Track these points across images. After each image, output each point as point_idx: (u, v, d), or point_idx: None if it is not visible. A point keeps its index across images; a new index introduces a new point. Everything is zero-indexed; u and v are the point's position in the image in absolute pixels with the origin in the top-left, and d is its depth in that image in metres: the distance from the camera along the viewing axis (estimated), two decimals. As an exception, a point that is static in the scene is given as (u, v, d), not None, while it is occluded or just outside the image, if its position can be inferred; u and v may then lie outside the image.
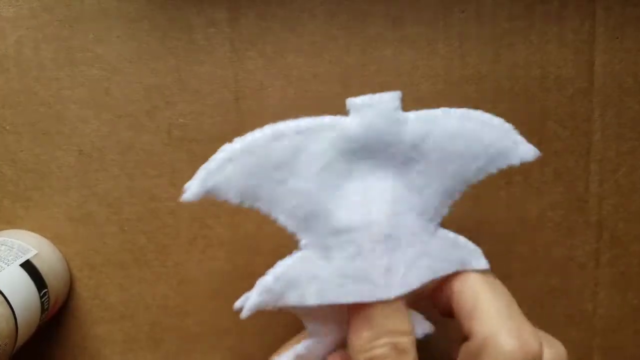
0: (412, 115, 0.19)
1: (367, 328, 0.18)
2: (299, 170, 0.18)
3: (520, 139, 0.21)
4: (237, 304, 0.19)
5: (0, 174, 0.26)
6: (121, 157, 0.26)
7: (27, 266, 0.23)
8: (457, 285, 0.20)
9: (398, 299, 0.18)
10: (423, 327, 0.22)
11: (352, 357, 0.19)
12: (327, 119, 0.19)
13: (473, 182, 0.20)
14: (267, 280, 0.19)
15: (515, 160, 0.20)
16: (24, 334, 0.22)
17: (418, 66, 0.26)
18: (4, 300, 0.21)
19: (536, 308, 0.27)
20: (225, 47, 0.26)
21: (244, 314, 0.19)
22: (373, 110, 0.19)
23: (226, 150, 0.18)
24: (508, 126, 0.20)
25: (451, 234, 0.21)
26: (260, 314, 0.27)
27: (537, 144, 0.27)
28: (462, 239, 0.21)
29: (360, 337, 0.18)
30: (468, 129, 0.20)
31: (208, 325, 0.27)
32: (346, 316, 0.19)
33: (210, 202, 0.26)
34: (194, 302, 0.27)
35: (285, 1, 0.26)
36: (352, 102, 0.19)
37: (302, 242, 0.19)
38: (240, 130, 0.26)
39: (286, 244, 0.27)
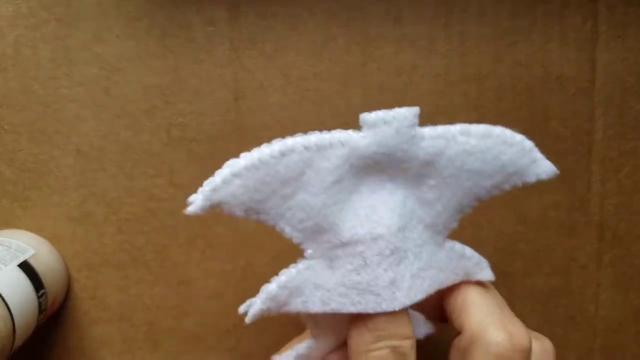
0: (428, 131, 0.19)
1: (367, 331, 0.18)
2: (306, 185, 0.18)
3: (539, 156, 0.20)
4: (241, 308, 0.19)
5: (-2, 173, 0.26)
6: (120, 156, 0.26)
7: (25, 266, 0.23)
8: (448, 290, 0.21)
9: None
10: (424, 327, 0.22)
11: (353, 357, 0.19)
12: (337, 135, 0.18)
13: (486, 199, 0.20)
14: (271, 288, 0.19)
15: (531, 178, 0.20)
16: (21, 335, 0.22)
17: (418, 65, 0.26)
18: (2, 301, 0.21)
19: (537, 308, 0.27)
20: (225, 46, 0.26)
21: (248, 320, 0.19)
22: (388, 127, 0.18)
23: (232, 166, 0.18)
24: (529, 144, 0.20)
25: (458, 246, 0.20)
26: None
27: (538, 143, 0.27)
28: (469, 251, 0.20)
29: (361, 340, 0.18)
30: (486, 147, 0.19)
31: (207, 326, 0.27)
32: (348, 317, 0.19)
33: (209, 202, 0.26)
34: (192, 302, 0.27)
35: (285, 0, 0.26)
36: (365, 118, 0.18)
37: (308, 252, 0.19)
38: (240, 130, 0.26)
39: (286, 244, 0.27)
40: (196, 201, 0.18)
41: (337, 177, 0.18)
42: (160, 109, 0.26)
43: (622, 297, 0.28)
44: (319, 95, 0.26)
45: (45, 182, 0.26)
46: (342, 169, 0.18)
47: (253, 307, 0.19)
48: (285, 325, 0.27)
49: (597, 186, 0.27)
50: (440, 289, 0.20)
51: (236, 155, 0.25)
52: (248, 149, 0.25)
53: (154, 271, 0.26)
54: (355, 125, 0.27)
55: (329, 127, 0.26)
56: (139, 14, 0.25)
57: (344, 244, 0.18)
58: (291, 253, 0.27)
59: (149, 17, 0.25)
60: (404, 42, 0.26)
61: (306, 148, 0.18)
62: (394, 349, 0.18)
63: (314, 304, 0.19)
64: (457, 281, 0.20)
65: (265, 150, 0.18)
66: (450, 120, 0.26)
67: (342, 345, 0.21)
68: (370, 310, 0.18)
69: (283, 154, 0.18)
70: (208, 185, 0.18)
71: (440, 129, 0.19)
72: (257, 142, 0.25)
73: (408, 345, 0.18)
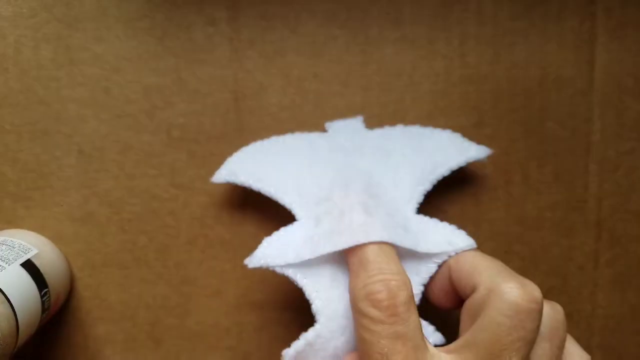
0: (374, 130, 0.26)
1: (362, 270, 0.20)
2: (292, 160, 0.24)
3: (469, 143, 0.25)
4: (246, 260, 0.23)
5: (1, 173, 0.26)
6: (121, 156, 0.26)
7: (28, 266, 0.23)
8: (453, 262, 0.22)
9: (387, 245, 0.21)
10: (434, 338, 0.23)
11: (352, 299, 0.20)
12: (312, 133, 0.26)
13: (439, 173, 0.24)
14: (270, 237, 0.23)
15: (465, 159, 0.25)
16: (24, 334, 0.22)
17: (418, 66, 0.26)
18: (5, 300, 0.21)
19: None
20: (225, 47, 0.26)
21: (251, 264, 0.22)
22: (343, 125, 0.26)
23: (242, 149, 0.25)
24: (457, 135, 0.25)
25: (429, 218, 0.24)
26: (261, 314, 0.27)
27: (536, 143, 0.27)
28: (442, 222, 0.23)
29: (358, 278, 0.20)
30: (418, 133, 0.25)
31: (208, 325, 0.27)
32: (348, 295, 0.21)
33: (210, 202, 0.26)
34: (194, 301, 0.27)
35: (285, 0, 0.26)
36: (328, 124, 0.26)
37: (298, 215, 0.23)
38: (240, 130, 0.26)
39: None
40: (219, 172, 0.25)
41: (315, 155, 0.25)
42: (161, 109, 0.26)
43: (619, 297, 0.28)
44: (319, 95, 0.26)
45: (47, 182, 0.26)
46: (319, 150, 0.25)
47: (256, 252, 0.23)
48: (286, 325, 0.27)
49: (594, 186, 0.27)
50: (440, 268, 0.23)
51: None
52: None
53: (156, 270, 0.27)
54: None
55: (329, 129, 0.27)
56: (140, 14, 0.25)
57: (323, 199, 0.23)
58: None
59: (149, 18, 0.25)
60: (404, 43, 0.26)
61: (293, 137, 0.25)
62: (387, 283, 0.19)
63: (305, 253, 0.22)
64: (439, 250, 0.22)
65: (265, 140, 0.25)
66: (450, 120, 0.27)
67: (352, 340, 0.22)
68: (349, 244, 0.21)
69: (276, 140, 0.25)
70: (226, 161, 0.25)
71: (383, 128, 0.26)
72: (258, 144, 0.26)
73: (400, 281, 0.19)
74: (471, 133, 0.26)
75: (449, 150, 0.25)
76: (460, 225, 0.24)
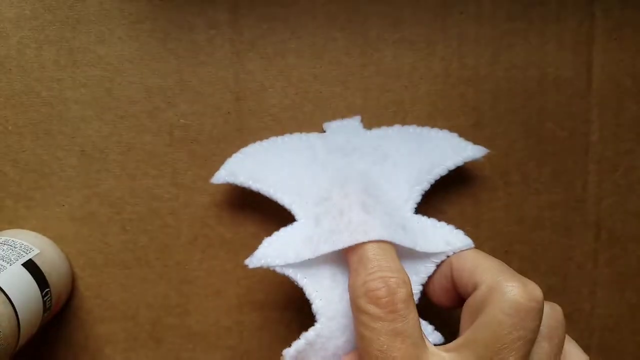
0: (371, 130, 0.26)
1: (362, 268, 0.20)
2: (290, 160, 0.25)
3: (466, 143, 0.25)
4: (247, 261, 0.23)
5: (3, 174, 0.26)
6: (123, 157, 0.26)
7: (30, 265, 0.23)
8: (455, 260, 0.22)
9: (386, 244, 0.21)
10: (433, 337, 0.23)
11: (352, 296, 0.20)
12: (310, 134, 0.26)
13: (437, 173, 0.24)
14: (270, 238, 0.23)
15: (461, 159, 0.25)
16: (26, 333, 0.22)
17: (417, 67, 0.26)
18: (7, 300, 0.21)
19: (535, 307, 0.28)
20: (226, 48, 0.26)
21: (251, 264, 0.23)
22: (340, 125, 0.26)
23: (241, 150, 0.25)
24: (454, 134, 0.25)
25: (427, 218, 0.24)
26: (261, 313, 0.27)
27: (535, 144, 0.27)
28: (440, 222, 0.24)
29: (357, 275, 0.20)
30: (416, 133, 0.25)
31: (209, 324, 0.27)
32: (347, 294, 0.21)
33: (211, 202, 0.26)
34: (195, 301, 0.27)
35: (285, 3, 0.26)
36: (326, 124, 0.26)
37: (297, 216, 0.24)
38: (240, 131, 0.26)
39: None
40: (218, 173, 0.25)
41: (312, 156, 0.25)
42: (163, 110, 0.26)
43: (618, 296, 0.28)
44: (319, 96, 0.26)
45: (49, 183, 0.26)
46: (316, 150, 0.25)
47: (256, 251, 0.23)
48: (287, 325, 0.27)
49: (593, 186, 0.27)
50: (438, 266, 0.23)
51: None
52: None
53: (157, 270, 0.27)
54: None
55: (329, 128, 0.27)
56: (142, 16, 0.26)
57: (322, 199, 0.23)
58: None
59: (151, 20, 0.26)
60: (403, 45, 0.26)
61: (290, 137, 0.25)
62: (386, 281, 0.19)
63: (305, 253, 0.22)
64: (437, 249, 0.23)
65: (264, 141, 0.25)
66: (449, 121, 0.27)
67: (351, 340, 0.22)
68: (347, 244, 0.21)
69: (274, 141, 0.25)
70: (226, 162, 0.25)
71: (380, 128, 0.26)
72: (259, 143, 0.26)
73: (399, 279, 0.19)
74: (470, 134, 0.27)
75: (446, 150, 0.25)
76: (460, 226, 0.24)
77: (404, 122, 0.26)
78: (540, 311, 0.19)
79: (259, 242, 0.26)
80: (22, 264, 0.23)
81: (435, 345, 0.20)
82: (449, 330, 0.23)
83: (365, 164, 0.24)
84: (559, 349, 0.20)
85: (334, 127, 0.26)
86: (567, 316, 0.28)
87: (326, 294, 0.22)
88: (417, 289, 0.23)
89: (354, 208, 0.22)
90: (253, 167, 0.24)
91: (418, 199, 0.24)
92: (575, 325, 0.28)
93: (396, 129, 0.25)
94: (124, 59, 0.26)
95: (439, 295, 0.23)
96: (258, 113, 0.26)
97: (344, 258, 0.22)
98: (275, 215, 0.25)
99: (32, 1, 0.25)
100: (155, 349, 0.27)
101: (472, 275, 0.21)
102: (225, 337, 0.27)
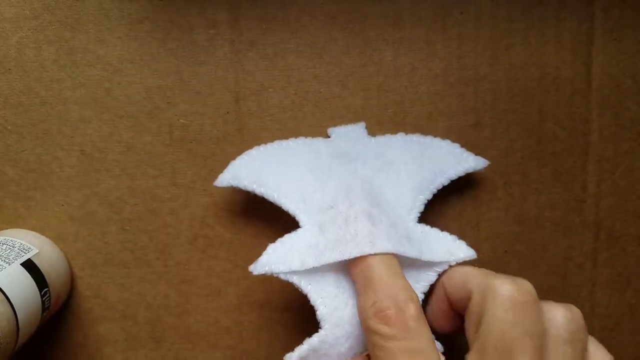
0: (376, 137, 0.26)
1: (371, 290, 0.20)
2: (295, 165, 0.24)
3: (468, 154, 0.25)
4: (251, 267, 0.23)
5: (2, 173, 0.26)
6: (122, 157, 0.26)
7: (28, 265, 0.23)
8: (445, 280, 0.22)
9: (391, 257, 0.21)
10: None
11: (362, 318, 0.20)
12: (315, 139, 0.26)
13: (439, 183, 0.24)
14: (274, 244, 0.23)
15: (463, 169, 0.25)
16: (25, 333, 0.22)
17: (417, 67, 0.26)
18: (5, 299, 0.21)
19: (534, 307, 0.28)
20: (226, 48, 0.26)
21: (256, 271, 0.22)
22: (345, 131, 0.26)
23: (246, 153, 0.25)
24: (456, 145, 0.25)
25: (430, 228, 0.24)
26: (261, 313, 0.27)
27: (535, 144, 0.27)
28: (443, 232, 0.24)
29: (366, 296, 0.20)
30: (419, 142, 0.25)
31: (208, 324, 0.27)
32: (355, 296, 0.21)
33: (211, 202, 0.26)
34: (194, 301, 0.27)
35: (285, 3, 0.26)
36: (330, 129, 0.26)
37: (302, 222, 0.23)
38: (240, 131, 0.26)
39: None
40: (222, 176, 0.24)
41: (317, 160, 0.25)
42: (162, 110, 0.26)
43: (618, 296, 0.28)
44: (319, 96, 0.26)
45: (48, 182, 0.26)
46: (321, 155, 0.25)
47: (261, 257, 0.23)
48: (286, 324, 0.27)
49: (593, 186, 0.27)
50: (441, 282, 0.23)
51: (237, 155, 0.26)
52: (249, 149, 0.26)
53: (157, 270, 0.27)
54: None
55: (329, 128, 0.27)
56: (141, 16, 0.26)
57: (328, 207, 0.23)
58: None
59: (150, 20, 0.26)
60: (403, 45, 0.26)
61: (296, 142, 0.25)
62: (394, 300, 0.19)
63: (310, 260, 0.22)
64: (441, 259, 0.23)
65: (268, 144, 0.25)
66: (449, 121, 0.27)
67: (356, 347, 0.22)
68: (353, 255, 0.21)
69: (280, 145, 0.25)
70: (230, 164, 0.24)
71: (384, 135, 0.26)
72: (258, 143, 0.26)
73: (407, 298, 0.19)
74: (470, 134, 0.27)
75: (448, 160, 0.25)
76: (460, 226, 0.24)
77: (403, 122, 0.26)
78: (536, 303, 0.19)
79: (259, 242, 0.26)
80: (21, 264, 0.23)
81: None
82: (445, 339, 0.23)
83: (369, 170, 0.24)
84: (583, 352, 0.20)
85: (338, 132, 0.26)
86: (567, 316, 0.28)
87: (331, 301, 0.22)
88: (419, 297, 0.23)
89: (359, 218, 0.22)
90: (257, 170, 0.24)
91: (421, 208, 0.24)
92: (575, 326, 0.28)
93: (400, 137, 0.25)
94: (124, 59, 0.26)
95: (440, 320, 0.23)
96: (258, 113, 0.26)
97: (348, 265, 0.22)
98: (276, 215, 0.25)
99: (31, 1, 0.25)
100: (155, 348, 0.27)
101: (463, 285, 0.21)
102: (225, 337, 0.27)
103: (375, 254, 0.21)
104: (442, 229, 0.24)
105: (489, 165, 0.26)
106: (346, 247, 0.21)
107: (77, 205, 0.26)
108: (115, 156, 0.26)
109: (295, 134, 0.26)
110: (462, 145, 0.26)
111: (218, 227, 0.27)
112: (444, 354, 0.22)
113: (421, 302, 0.23)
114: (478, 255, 0.23)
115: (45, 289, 0.24)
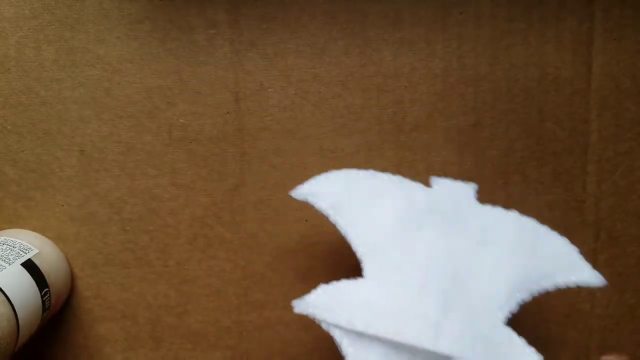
0: (486, 206, 0.21)
1: None
2: (382, 205, 0.21)
3: (585, 263, 0.21)
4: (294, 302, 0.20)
5: (2, 173, 0.26)
6: (122, 157, 0.26)
7: (29, 265, 0.23)
8: None
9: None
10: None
11: None
12: (414, 183, 0.22)
13: (543, 287, 0.20)
14: (327, 286, 0.20)
15: (575, 280, 0.21)
16: (25, 333, 0.22)
17: (416, 67, 0.26)
18: (6, 299, 0.21)
19: (534, 307, 0.28)
20: (226, 48, 0.26)
21: (298, 309, 0.20)
22: (452, 187, 0.22)
23: (332, 172, 0.22)
24: (574, 248, 0.21)
25: (517, 336, 0.20)
26: (261, 313, 0.27)
27: (535, 144, 0.27)
28: (530, 347, 0.20)
29: None
30: (534, 230, 0.21)
31: (208, 324, 0.27)
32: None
33: (211, 202, 0.26)
34: (194, 301, 0.27)
35: (285, 3, 0.26)
36: (434, 179, 0.22)
37: (366, 271, 0.20)
38: (240, 131, 0.26)
39: (286, 244, 0.27)
40: (300, 188, 0.21)
41: (408, 210, 0.21)
42: (162, 110, 0.26)
43: (617, 297, 0.28)
44: (319, 96, 0.26)
45: (48, 182, 0.26)
46: (415, 206, 0.21)
47: (305, 300, 0.20)
48: (286, 324, 0.27)
49: (592, 187, 0.27)
50: None
51: (237, 155, 0.26)
52: (248, 149, 0.26)
53: (157, 270, 0.27)
54: (353, 125, 0.28)
55: (329, 128, 0.27)
56: (141, 16, 0.26)
57: (406, 269, 0.20)
58: (291, 254, 0.27)
59: (150, 20, 0.26)
60: (403, 45, 0.26)
61: (390, 179, 0.22)
62: None
63: (358, 320, 0.19)
64: None
65: (361, 171, 0.22)
66: (448, 121, 0.27)
67: None
68: (410, 341, 0.18)
69: (372, 176, 0.22)
70: (312, 179, 0.22)
71: (494, 207, 0.22)
72: (258, 143, 0.26)
73: None
74: (470, 134, 0.27)
75: (561, 264, 0.21)
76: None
77: (403, 122, 0.26)
78: None
79: (259, 242, 0.26)
80: (21, 264, 0.23)
81: None
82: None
83: (465, 242, 0.21)
84: None
85: (442, 185, 0.22)
86: (567, 316, 0.28)
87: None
88: None
89: (433, 295, 0.19)
90: (339, 196, 0.21)
91: (515, 308, 0.20)
92: (575, 326, 0.28)
93: (513, 216, 0.21)
94: (123, 59, 0.26)
95: None
96: (257, 113, 0.26)
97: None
98: (275, 216, 0.25)
99: (31, 1, 0.25)
100: (155, 348, 0.27)
101: None
102: (225, 337, 0.27)
103: None
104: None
105: (489, 165, 0.26)
106: (404, 328, 0.18)
107: (77, 205, 0.26)
108: (115, 156, 0.26)
109: (295, 134, 0.26)
110: (462, 145, 0.25)
111: (218, 227, 0.27)
112: None
113: None
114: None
115: (46, 289, 0.24)
